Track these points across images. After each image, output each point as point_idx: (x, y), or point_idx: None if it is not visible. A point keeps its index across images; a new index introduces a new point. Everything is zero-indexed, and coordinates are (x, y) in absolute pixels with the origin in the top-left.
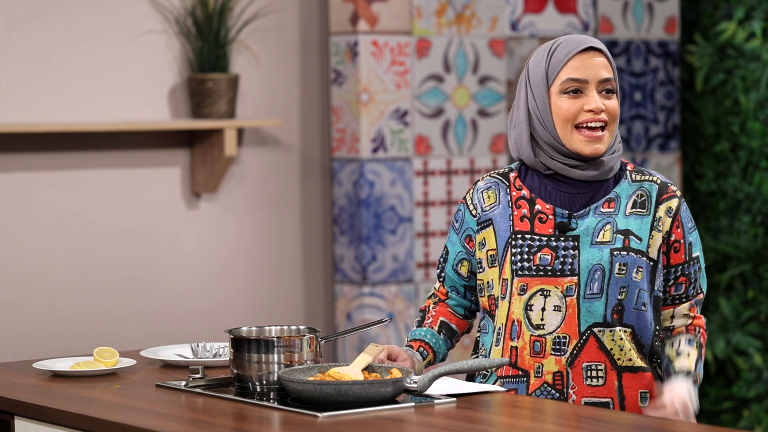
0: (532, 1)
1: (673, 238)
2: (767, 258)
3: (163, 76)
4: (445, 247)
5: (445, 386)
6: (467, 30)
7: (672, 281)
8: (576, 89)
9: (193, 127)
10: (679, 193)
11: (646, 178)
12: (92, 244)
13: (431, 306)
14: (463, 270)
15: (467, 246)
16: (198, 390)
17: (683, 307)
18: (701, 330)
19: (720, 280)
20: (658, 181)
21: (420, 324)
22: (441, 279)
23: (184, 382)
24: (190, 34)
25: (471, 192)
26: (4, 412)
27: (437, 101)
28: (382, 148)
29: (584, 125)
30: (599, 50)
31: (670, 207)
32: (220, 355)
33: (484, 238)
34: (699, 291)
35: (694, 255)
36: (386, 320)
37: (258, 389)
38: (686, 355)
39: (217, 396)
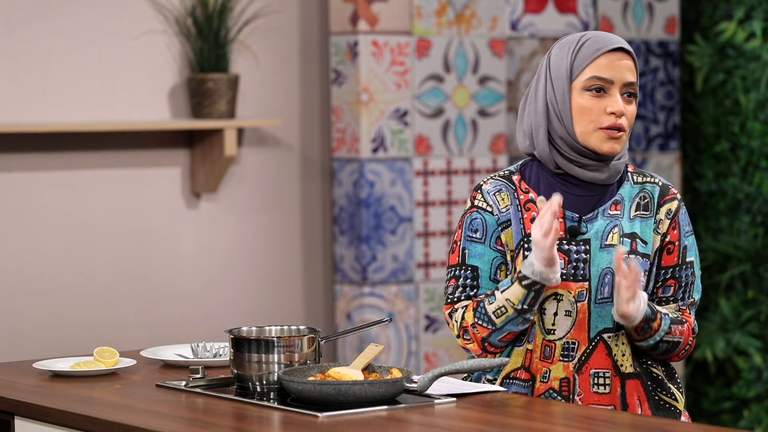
0: (532, 1)
1: (667, 239)
2: (767, 258)
3: (163, 76)
4: (467, 266)
5: (445, 386)
6: (467, 30)
7: (660, 283)
8: (600, 88)
9: (193, 127)
10: (679, 196)
11: (648, 180)
12: (92, 244)
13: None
14: (503, 276)
15: (500, 248)
16: (198, 390)
17: (669, 307)
18: (687, 321)
19: (720, 280)
20: (660, 183)
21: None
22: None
23: (184, 382)
24: (190, 34)
25: (480, 196)
26: (4, 412)
27: (437, 101)
28: (382, 148)
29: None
30: (628, 52)
31: (670, 209)
32: (220, 355)
33: (506, 239)
34: (690, 297)
35: (688, 260)
36: (386, 320)
37: (258, 389)
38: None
39: (217, 396)
